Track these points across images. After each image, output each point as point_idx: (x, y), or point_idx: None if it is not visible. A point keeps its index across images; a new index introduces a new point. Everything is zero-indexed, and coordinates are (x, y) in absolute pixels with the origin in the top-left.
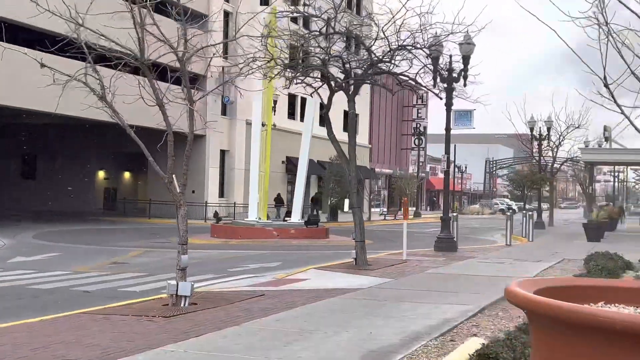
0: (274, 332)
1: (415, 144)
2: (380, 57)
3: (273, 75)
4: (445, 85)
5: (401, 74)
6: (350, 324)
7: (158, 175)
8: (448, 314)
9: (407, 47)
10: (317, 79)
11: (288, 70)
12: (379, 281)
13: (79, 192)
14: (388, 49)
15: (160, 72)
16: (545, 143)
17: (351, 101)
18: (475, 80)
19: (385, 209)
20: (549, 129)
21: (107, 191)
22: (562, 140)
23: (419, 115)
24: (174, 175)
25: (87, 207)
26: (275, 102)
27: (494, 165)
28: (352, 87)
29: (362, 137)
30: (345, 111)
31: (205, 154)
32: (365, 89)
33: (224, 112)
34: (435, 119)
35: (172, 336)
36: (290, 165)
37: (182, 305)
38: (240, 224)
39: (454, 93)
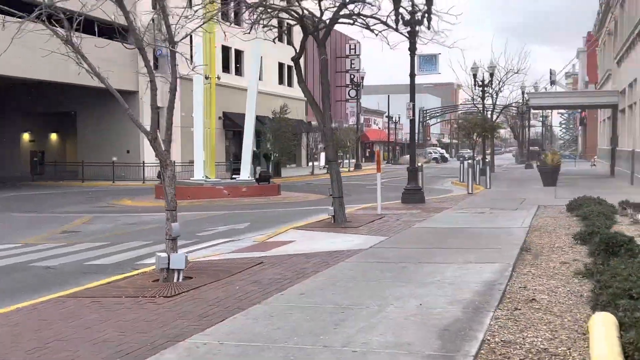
0: (309, 310)
1: (349, 96)
2: None
3: (213, 17)
4: (409, 28)
5: (372, 16)
6: (386, 295)
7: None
8: (484, 276)
9: None
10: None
11: (248, 9)
12: (374, 240)
13: (2, 157)
14: None
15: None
16: (490, 89)
17: (322, 46)
18: (455, 21)
19: (324, 163)
20: (491, 75)
21: (34, 154)
22: (502, 87)
23: (353, 65)
24: (157, 131)
25: (13, 172)
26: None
27: (426, 114)
28: (322, 30)
29: (298, 90)
30: (280, 63)
31: (139, 111)
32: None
33: (155, 67)
34: (369, 69)
35: (191, 323)
36: (228, 121)
37: (175, 280)
38: (188, 184)
39: (422, 37)
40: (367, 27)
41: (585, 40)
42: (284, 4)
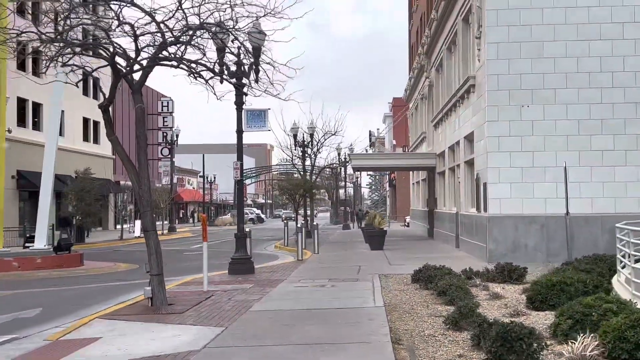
0: None
1: (162, 154)
2: (178, 35)
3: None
4: (235, 80)
5: (196, 61)
6: None
7: None
8: None
9: (210, 28)
10: (80, 64)
11: (44, 44)
12: (207, 333)
13: None
14: (186, 27)
15: None
16: (308, 150)
17: (138, 92)
18: (294, 75)
19: (134, 226)
20: (311, 136)
21: None
22: (320, 147)
23: (165, 123)
24: None
25: None
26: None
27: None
28: (140, 72)
29: (105, 148)
30: (84, 118)
31: None
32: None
33: None
34: (183, 127)
35: None
36: (23, 180)
37: None
38: None
39: (254, 89)
40: (192, 72)
41: (391, 105)
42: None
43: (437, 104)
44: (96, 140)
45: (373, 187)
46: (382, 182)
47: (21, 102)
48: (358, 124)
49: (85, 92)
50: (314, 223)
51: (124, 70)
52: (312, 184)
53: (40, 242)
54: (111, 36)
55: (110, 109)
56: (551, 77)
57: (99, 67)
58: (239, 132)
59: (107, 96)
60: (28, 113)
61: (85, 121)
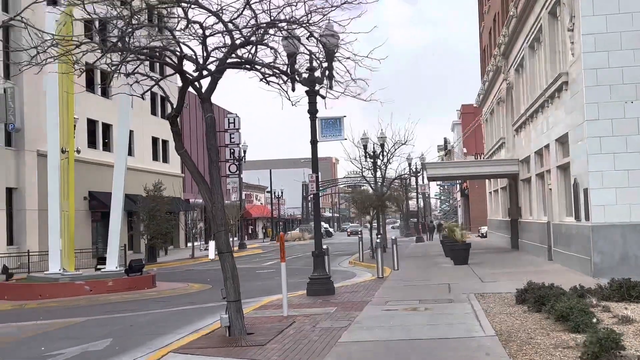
0: None
1: (230, 171)
2: (247, 35)
3: (73, 66)
4: (307, 88)
5: (268, 65)
6: None
7: None
8: None
9: (282, 25)
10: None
11: (105, 54)
12: None
13: None
14: (256, 26)
15: None
16: (378, 161)
17: (207, 101)
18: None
19: (204, 244)
20: (382, 146)
21: None
22: (391, 158)
23: (232, 140)
24: None
25: None
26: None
27: (308, 189)
28: (209, 78)
29: (174, 166)
30: (153, 137)
31: None
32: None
33: (8, 143)
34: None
35: None
36: (95, 201)
37: None
38: (39, 280)
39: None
40: (264, 77)
41: (460, 113)
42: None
43: (518, 107)
44: (165, 159)
45: (442, 197)
46: (452, 192)
47: (91, 124)
48: (423, 135)
49: (154, 112)
50: (393, 237)
51: (193, 76)
52: (386, 195)
53: (112, 263)
54: (177, 38)
55: (178, 120)
56: None
57: (166, 76)
58: (314, 142)
59: (175, 106)
60: (98, 134)
61: (154, 140)
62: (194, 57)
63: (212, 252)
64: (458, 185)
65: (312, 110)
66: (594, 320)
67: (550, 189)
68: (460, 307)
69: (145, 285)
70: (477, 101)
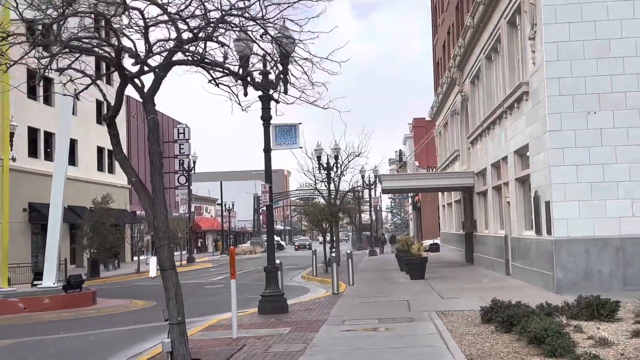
0: None
1: (179, 182)
2: (195, 30)
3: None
4: (261, 93)
5: (221, 64)
6: None
7: None
8: None
9: (233, 21)
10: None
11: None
12: None
13: None
14: (205, 20)
15: None
16: (332, 173)
17: (149, 102)
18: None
19: (152, 256)
20: (336, 157)
21: None
22: (344, 170)
23: (182, 150)
24: None
25: None
26: (12, 134)
27: (260, 201)
28: (152, 76)
29: (120, 177)
30: (99, 147)
31: None
32: (120, 118)
33: None
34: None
35: None
36: (35, 213)
37: None
38: None
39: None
40: (213, 79)
41: (412, 126)
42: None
43: (473, 119)
44: (111, 170)
45: (394, 210)
46: (404, 205)
47: (32, 132)
48: (376, 148)
49: (99, 121)
50: (348, 251)
51: (132, 73)
52: (339, 208)
53: (50, 279)
54: (115, 27)
55: (122, 129)
56: (620, 79)
57: (104, 75)
58: (267, 150)
59: (110, 105)
60: (40, 143)
61: (100, 150)
62: (133, 50)
63: (153, 269)
64: (410, 199)
65: (266, 117)
66: (569, 343)
67: (509, 202)
68: (423, 327)
69: (84, 303)
70: (431, 114)
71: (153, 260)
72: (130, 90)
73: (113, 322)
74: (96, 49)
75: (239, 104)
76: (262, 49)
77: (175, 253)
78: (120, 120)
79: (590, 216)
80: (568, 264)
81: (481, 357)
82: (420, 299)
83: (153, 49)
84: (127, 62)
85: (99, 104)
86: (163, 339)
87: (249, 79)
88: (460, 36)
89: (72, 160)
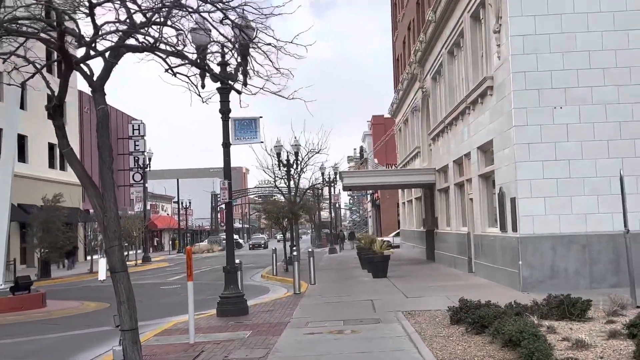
0: None
1: (134, 180)
2: (149, 13)
3: None
4: (219, 85)
5: (177, 52)
6: None
7: None
8: None
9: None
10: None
11: None
12: None
13: None
14: (159, 3)
15: None
16: (292, 170)
17: (98, 91)
18: (303, 55)
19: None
20: (296, 154)
21: None
22: (304, 167)
23: (137, 147)
24: None
25: None
26: None
27: (218, 199)
28: (101, 63)
29: (72, 174)
30: (50, 143)
31: None
32: (73, 114)
33: None
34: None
35: None
36: None
37: None
38: None
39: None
40: (170, 68)
41: (371, 124)
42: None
43: (435, 115)
44: (63, 167)
45: (353, 207)
46: (362, 202)
47: None
48: (335, 145)
49: (50, 105)
50: (310, 249)
51: (78, 58)
52: (300, 205)
53: None
54: (55, 5)
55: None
56: (586, 73)
57: (50, 62)
58: (226, 145)
59: (54, 93)
60: None
61: (52, 147)
62: (77, 32)
63: (102, 272)
64: (369, 196)
65: (224, 110)
66: (547, 346)
67: (471, 199)
68: (390, 329)
69: (33, 305)
70: (391, 111)
71: (102, 262)
72: (83, 84)
73: (63, 326)
74: (41, 34)
75: (199, 95)
76: (222, 35)
77: (131, 252)
78: (73, 117)
79: (557, 213)
80: (534, 262)
81: None
82: (384, 299)
83: (101, 31)
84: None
85: (50, 99)
86: (114, 347)
87: (206, 69)
88: (421, 31)
89: (22, 156)
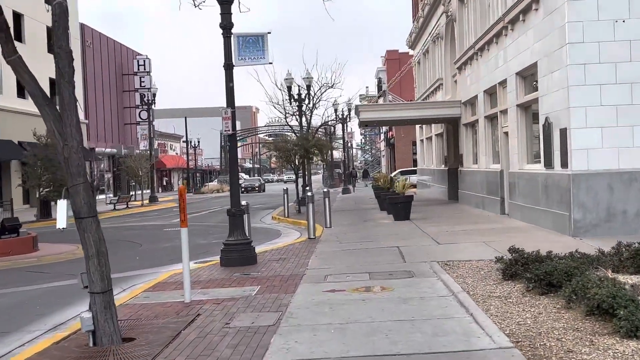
0: None
1: (140, 118)
2: None
3: None
4: None
5: None
6: None
7: None
8: None
9: None
10: None
11: None
12: None
13: None
14: None
15: None
16: (304, 105)
17: None
18: None
19: (112, 196)
20: (308, 88)
21: None
22: (317, 102)
23: (142, 84)
24: None
25: None
26: None
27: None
28: None
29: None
30: (50, 79)
31: None
32: (75, 47)
33: None
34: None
35: None
36: None
37: None
38: None
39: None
40: None
41: (385, 59)
42: None
43: (461, 42)
44: None
45: (366, 147)
46: (376, 141)
47: None
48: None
49: (19, 37)
50: (325, 190)
51: None
52: (314, 143)
53: None
54: None
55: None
56: None
57: None
58: (228, 67)
59: None
60: None
61: (52, 83)
62: None
63: (61, 219)
64: (383, 134)
65: (226, 24)
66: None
67: (506, 133)
68: (428, 285)
69: (23, 250)
70: (409, 42)
71: (62, 205)
72: (85, 17)
73: (50, 275)
74: None
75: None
76: None
77: (138, 192)
78: (75, 51)
79: (615, 145)
80: (587, 203)
81: (530, 339)
82: (412, 245)
83: None
84: None
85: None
86: (82, 313)
87: None
88: None
89: (22, 93)
